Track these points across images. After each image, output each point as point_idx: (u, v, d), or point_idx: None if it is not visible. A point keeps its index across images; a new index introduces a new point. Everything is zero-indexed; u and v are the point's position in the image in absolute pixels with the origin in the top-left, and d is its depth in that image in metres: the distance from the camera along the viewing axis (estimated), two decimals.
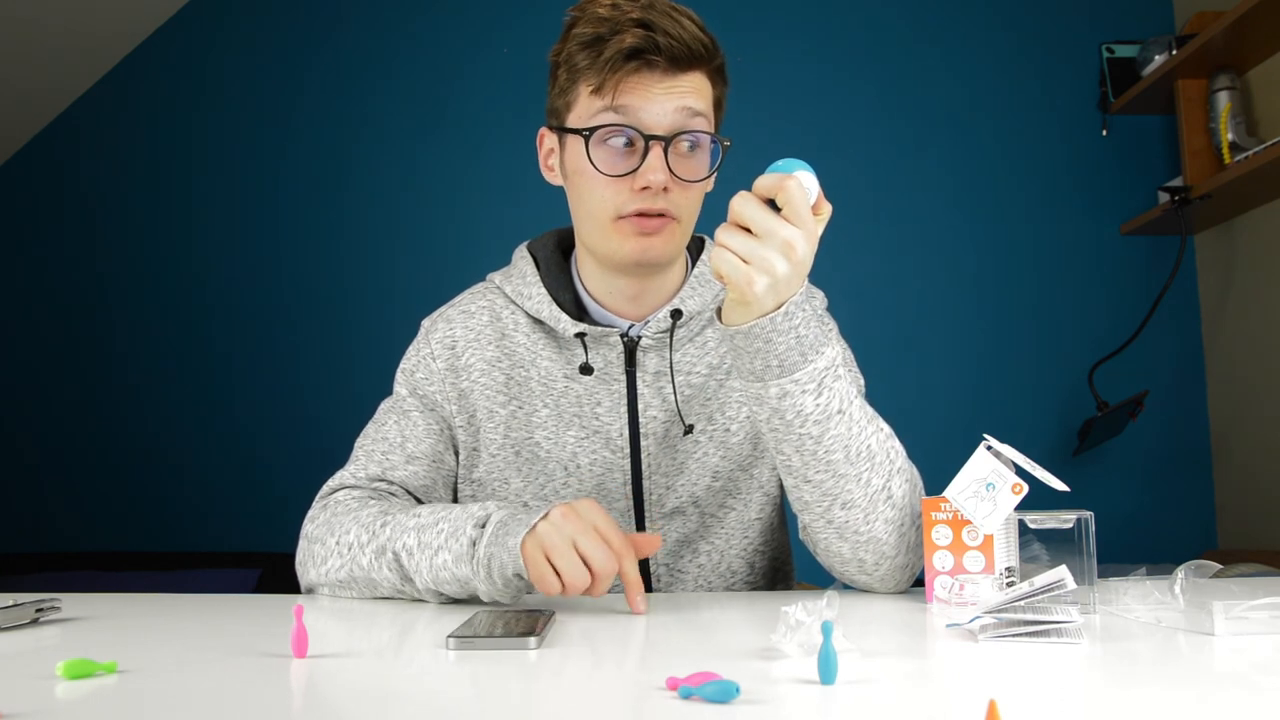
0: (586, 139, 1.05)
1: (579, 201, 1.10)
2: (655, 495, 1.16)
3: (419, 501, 1.18)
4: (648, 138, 1.03)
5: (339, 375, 2.79)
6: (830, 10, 2.82)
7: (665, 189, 1.04)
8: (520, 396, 1.17)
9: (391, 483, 1.16)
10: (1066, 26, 2.77)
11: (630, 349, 1.14)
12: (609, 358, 1.15)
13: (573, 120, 1.08)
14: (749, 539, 1.20)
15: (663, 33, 1.01)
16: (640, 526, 1.16)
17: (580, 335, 1.13)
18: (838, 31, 2.81)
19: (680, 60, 1.03)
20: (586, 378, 1.15)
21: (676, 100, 1.03)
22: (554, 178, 1.16)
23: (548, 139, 1.15)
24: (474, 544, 0.95)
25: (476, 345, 1.18)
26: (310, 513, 1.14)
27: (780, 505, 1.25)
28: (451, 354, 1.18)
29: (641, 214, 1.05)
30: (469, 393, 1.18)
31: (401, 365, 1.23)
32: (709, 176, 1.09)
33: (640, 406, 1.15)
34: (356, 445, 1.21)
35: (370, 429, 1.21)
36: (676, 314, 1.14)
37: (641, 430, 1.15)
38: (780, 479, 1.23)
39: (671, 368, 1.15)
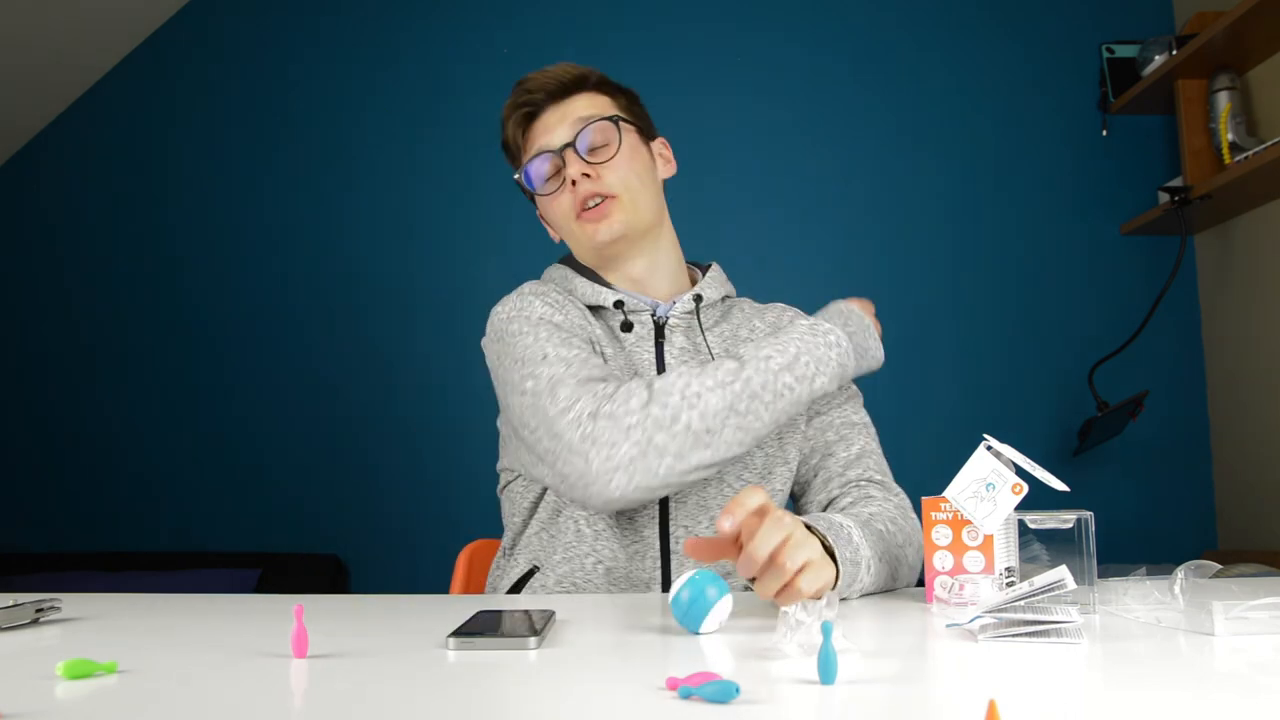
0: (522, 180, 1.30)
1: (556, 226, 1.32)
2: None
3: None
4: (557, 151, 1.25)
5: (339, 376, 2.78)
6: (830, 11, 2.81)
7: (588, 175, 1.23)
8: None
9: (595, 366, 1.14)
10: (1066, 26, 2.76)
11: (659, 328, 1.27)
12: (640, 333, 1.27)
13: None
14: None
15: (535, 82, 1.28)
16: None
17: (619, 304, 1.27)
18: (837, 32, 2.81)
19: (555, 93, 1.28)
20: (628, 337, 1.26)
21: (568, 122, 1.26)
22: (553, 234, 1.36)
23: (538, 207, 1.34)
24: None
25: (555, 305, 1.23)
26: (575, 417, 1.06)
27: (785, 505, 1.25)
28: (542, 302, 1.23)
29: (586, 206, 1.25)
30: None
31: (508, 314, 1.22)
32: (618, 150, 1.25)
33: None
34: (532, 396, 1.12)
35: (527, 381, 1.14)
36: (698, 299, 1.29)
37: None
38: (794, 481, 1.27)
39: (703, 331, 1.27)
